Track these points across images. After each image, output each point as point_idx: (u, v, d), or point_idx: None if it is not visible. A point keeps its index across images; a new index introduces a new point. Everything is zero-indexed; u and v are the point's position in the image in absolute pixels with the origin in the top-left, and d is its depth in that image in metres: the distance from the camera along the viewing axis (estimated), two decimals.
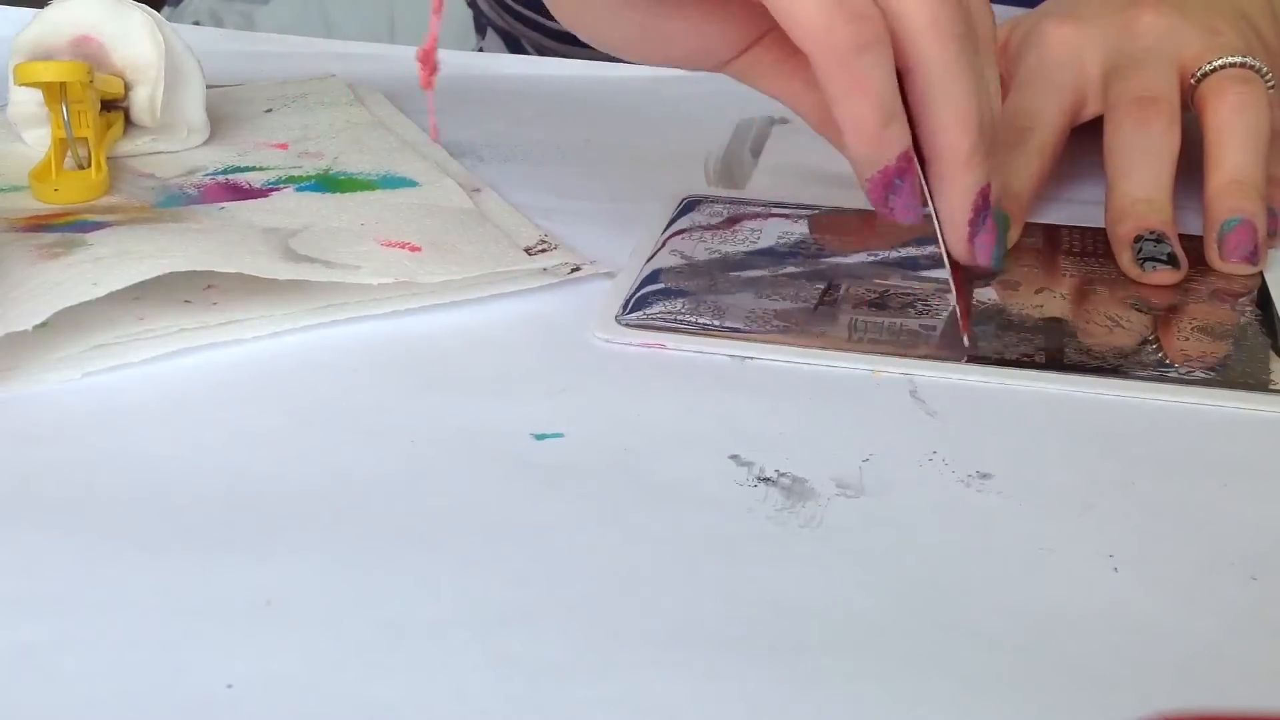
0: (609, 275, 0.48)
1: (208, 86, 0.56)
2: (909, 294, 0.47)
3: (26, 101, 0.54)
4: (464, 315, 0.46)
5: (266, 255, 0.44)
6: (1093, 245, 0.50)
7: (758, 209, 0.53)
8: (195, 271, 0.43)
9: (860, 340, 0.44)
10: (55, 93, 0.51)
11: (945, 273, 0.45)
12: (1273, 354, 0.44)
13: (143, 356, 0.42)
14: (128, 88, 0.54)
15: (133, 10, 0.54)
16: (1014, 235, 0.50)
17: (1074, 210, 0.53)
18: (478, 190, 0.54)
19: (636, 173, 0.57)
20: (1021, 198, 0.51)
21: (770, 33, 0.46)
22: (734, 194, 0.55)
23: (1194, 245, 0.49)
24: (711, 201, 0.54)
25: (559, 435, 0.39)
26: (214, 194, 0.52)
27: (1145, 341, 0.44)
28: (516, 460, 0.38)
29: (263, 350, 0.43)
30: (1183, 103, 0.51)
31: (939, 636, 0.32)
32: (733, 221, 0.52)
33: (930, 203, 0.44)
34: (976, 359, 0.43)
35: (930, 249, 0.49)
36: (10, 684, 0.30)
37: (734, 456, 0.39)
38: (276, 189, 0.52)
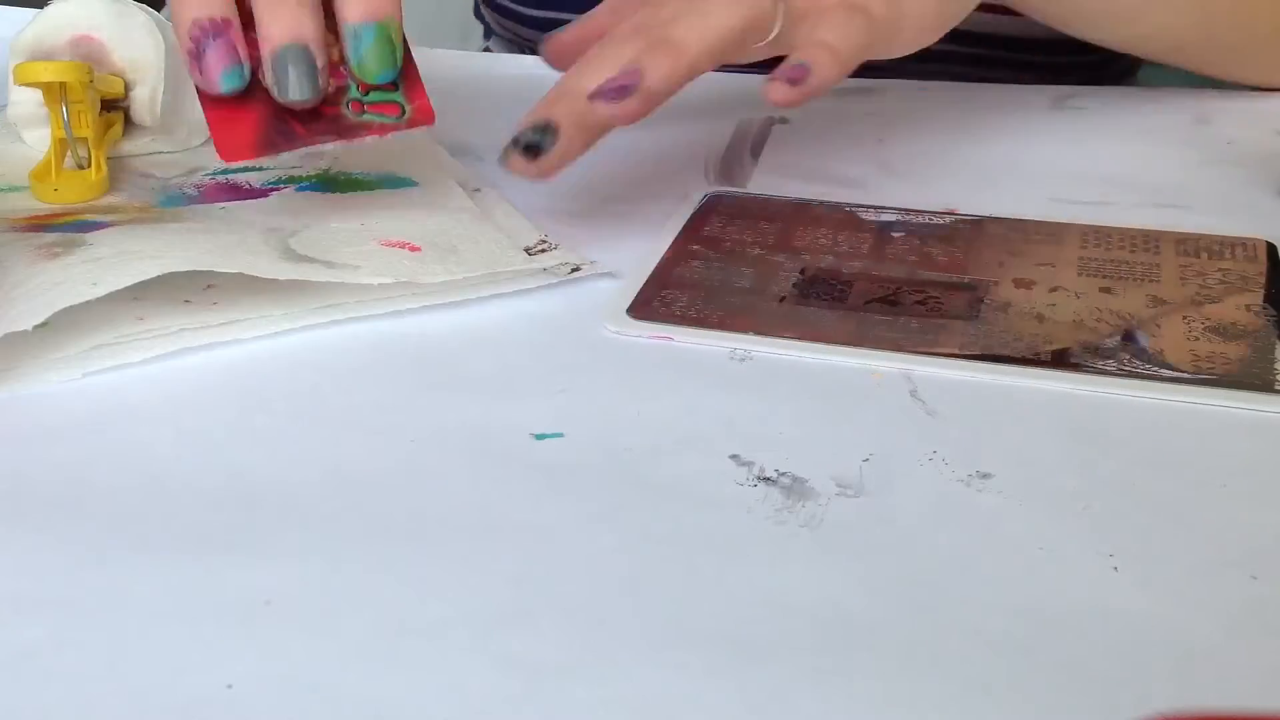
0: (609, 275, 0.48)
1: None
2: (921, 292, 0.47)
3: (26, 101, 0.54)
4: (464, 315, 0.46)
5: (266, 255, 0.44)
6: (1107, 245, 0.50)
7: (777, 206, 0.53)
8: (196, 271, 0.43)
9: (868, 337, 0.44)
10: (55, 93, 0.51)
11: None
12: (1278, 354, 0.44)
13: (142, 356, 0.42)
14: (128, 87, 0.54)
15: (133, 10, 0.54)
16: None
17: (1081, 210, 0.53)
18: (478, 190, 0.54)
19: (636, 173, 0.57)
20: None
21: None
22: (754, 191, 0.55)
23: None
24: (732, 198, 0.54)
25: (559, 435, 0.39)
26: (214, 194, 0.52)
27: (1155, 341, 0.44)
28: (516, 460, 0.38)
29: (263, 350, 0.43)
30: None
31: (939, 636, 0.32)
32: (751, 218, 0.52)
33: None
34: (982, 356, 0.43)
35: None
36: (10, 684, 0.30)
37: (734, 456, 0.39)
38: (277, 189, 0.52)
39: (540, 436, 0.39)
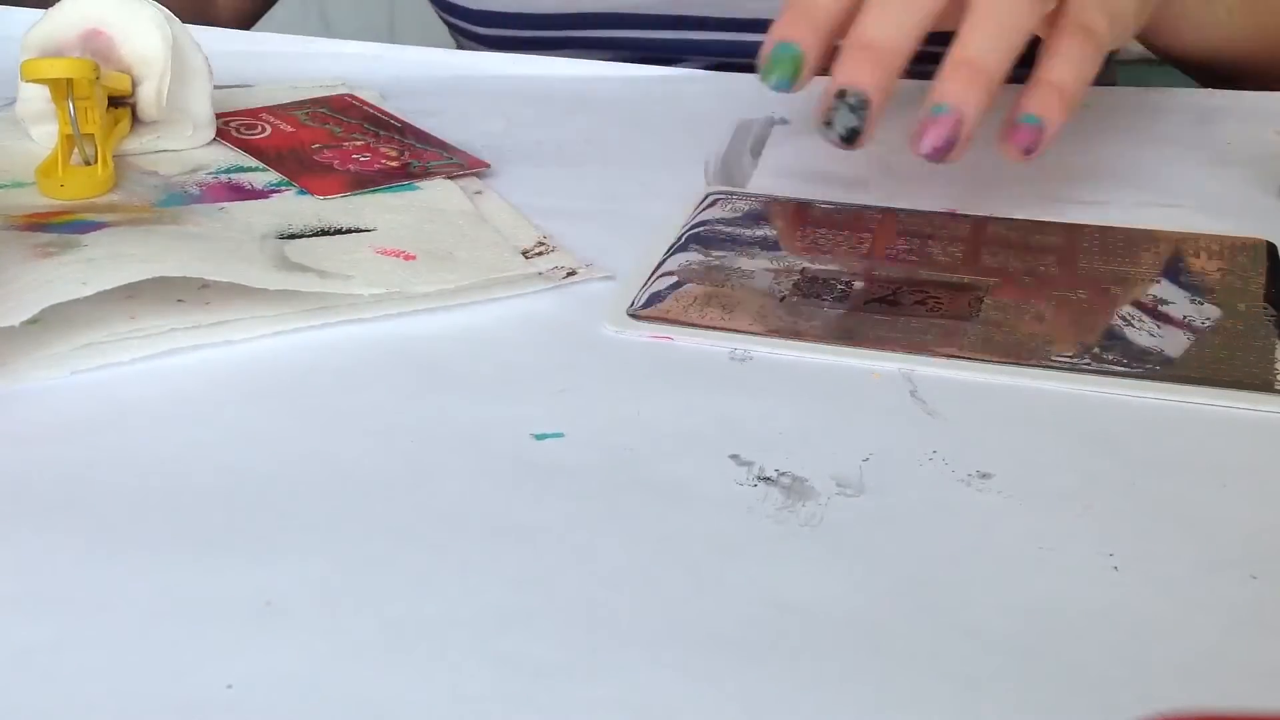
0: (607, 278, 0.48)
1: (215, 87, 0.56)
2: (921, 292, 0.47)
3: (34, 98, 0.54)
4: (464, 315, 0.46)
5: (260, 264, 0.45)
6: (1110, 245, 0.50)
7: (777, 207, 0.53)
8: None
9: (869, 337, 0.44)
10: (62, 89, 0.51)
11: None
12: (1278, 354, 0.44)
13: (132, 356, 0.42)
14: (135, 83, 0.54)
15: (142, 5, 0.54)
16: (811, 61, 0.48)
17: (1082, 210, 0.53)
18: (478, 192, 0.54)
19: (636, 173, 0.57)
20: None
21: None
22: (754, 191, 0.55)
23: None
24: (734, 198, 0.54)
25: (559, 435, 0.39)
26: (215, 193, 0.52)
27: (1155, 341, 0.44)
28: (516, 460, 0.38)
29: (261, 350, 0.43)
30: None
31: (939, 636, 0.32)
32: (754, 218, 0.52)
33: None
34: (982, 356, 0.43)
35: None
36: (10, 684, 0.30)
37: (734, 456, 0.39)
38: (278, 190, 0.52)
39: (540, 436, 0.39)
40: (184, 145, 0.56)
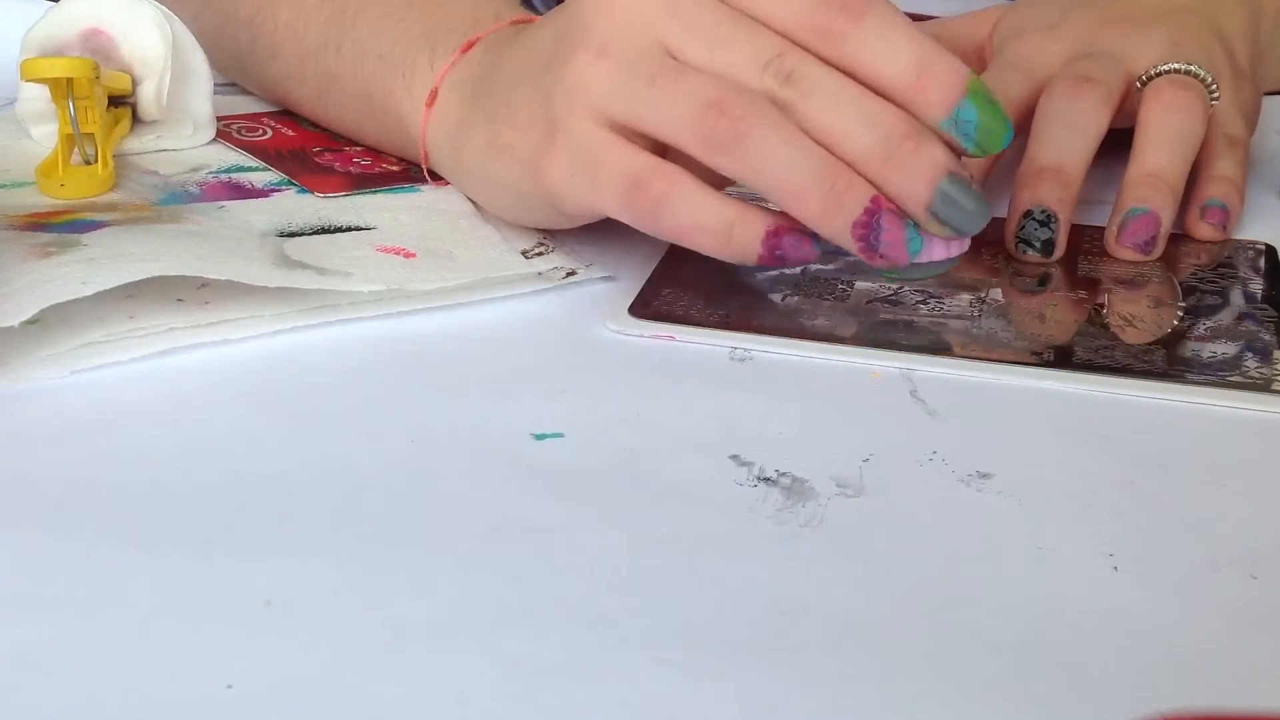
0: (607, 278, 0.48)
1: (216, 86, 0.56)
2: (921, 292, 0.47)
3: (34, 98, 0.54)
4: (463, 315, 0.46)
5: (260, 261, 0.45)
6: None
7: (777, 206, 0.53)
8: None
9: (869, 337, 0.44)
10: (62, 89, 0.51)
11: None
12: (1278, 354, 0.44)
13: (131, 355, 0.42)
14: (135, 83, 0.54)
15: (142, 4, 0.54)
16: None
17: (1082, 210, 0.53)
18: None
19: None
20: (974, 166, 0.52)
21: None
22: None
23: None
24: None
25: (559, 435, 0.39)
26: (215, 192, 0.52)
27: (1155, 341, 0.44)
28: (516, 460, 0.38)
29: (261, 349, 0.43)
30: (1129, 104, 0.53)
31: (939, 636, 0.32)
32: None
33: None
34: (982, 356, 0.43)
35: None
36: (10, 684, 0.30)
37: (734, 456, 0.39)
38: (278, 189, 0.52)
39: (540, 436, 0.39)
40: (184, 145, 0.56)
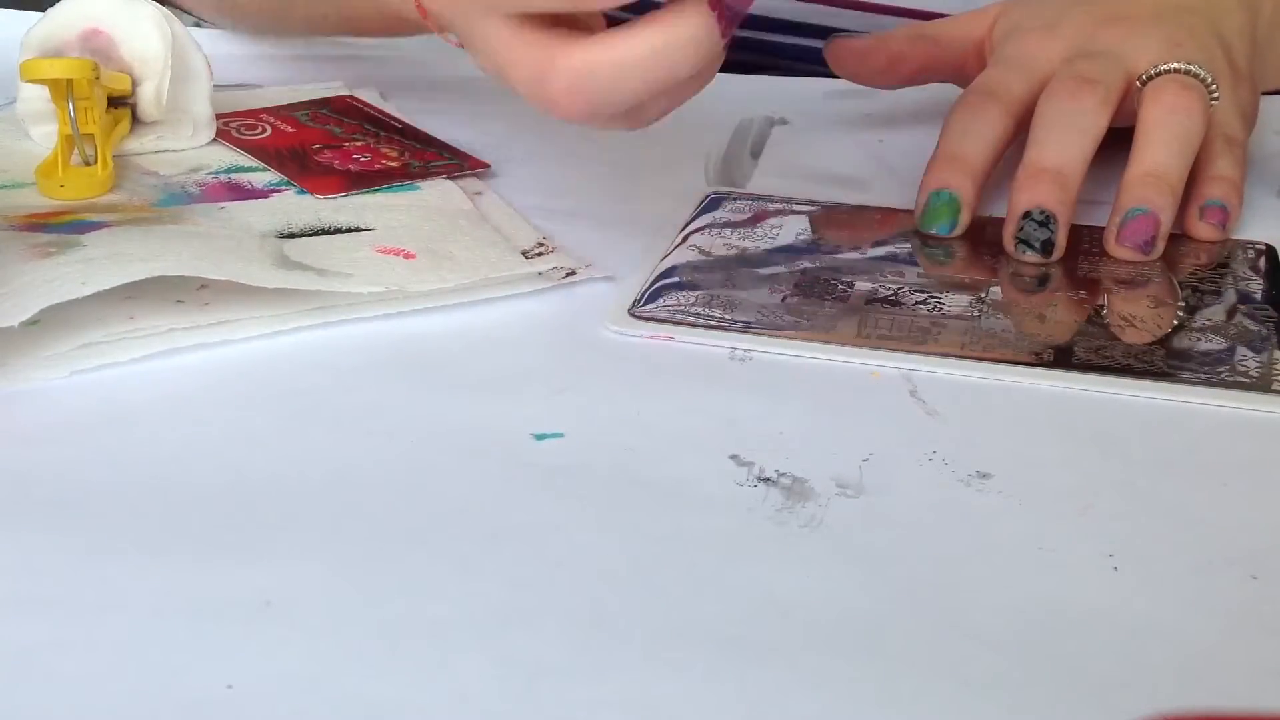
0: (607, 278, 0.48)
1: (215, 87, 0.56)
2: (921, 292, 0.47)
3: (34, 98, 0.54)
4: (464, 315, 0.46)
5: (259, 262, 0.45)
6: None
7: (780, 205, 0.53)
8: None
9: (869, 337, 0.44)
10: (61, 89, 0.51)
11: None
12: (1278, 354, 0.44)
13: (130, 356, 0.42)
14: (135, 83, 0.54)
15: (142, 4, 0.54)
16: (968, 199, 0.51)
17: (1082, 210, 0.53)
18: (479, 193, 0.54)
19: (636, 173, 0.57)
20: (975, 162, 0.52)
21: None
22: (758, 191, 0.55)
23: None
24: (735, 198, 0.54)
25: (559, 435, 0.39)
26: (215, 193, 0.52)
27: (1155, 341, 0.44)
28: (516, 460, 0.38)
29: (260, 350, 0.43)
30: (1128, 104, 0.53)
31: (939, 636, 0.32)
32: (756, 218, 0.52)
33: None
34: (982, 356, 0.43)
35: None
36: (10, 684, 0.30)
37: (734, 456, 0.39)
38: (278, 190, 0.52)
39: (540, 436, 0.39)
40: (184, 145, 0.56)
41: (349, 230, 0.49)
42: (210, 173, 0.54)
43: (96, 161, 0.51)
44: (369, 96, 0.62)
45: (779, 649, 0.32)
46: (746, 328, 0.45)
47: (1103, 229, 0.51)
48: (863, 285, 0.47)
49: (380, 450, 0.39)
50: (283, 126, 0.58)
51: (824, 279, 0.48)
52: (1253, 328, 0.45)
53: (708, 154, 0.59)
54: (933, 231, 0.51)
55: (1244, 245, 0.51)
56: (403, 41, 0.70)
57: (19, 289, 0.41)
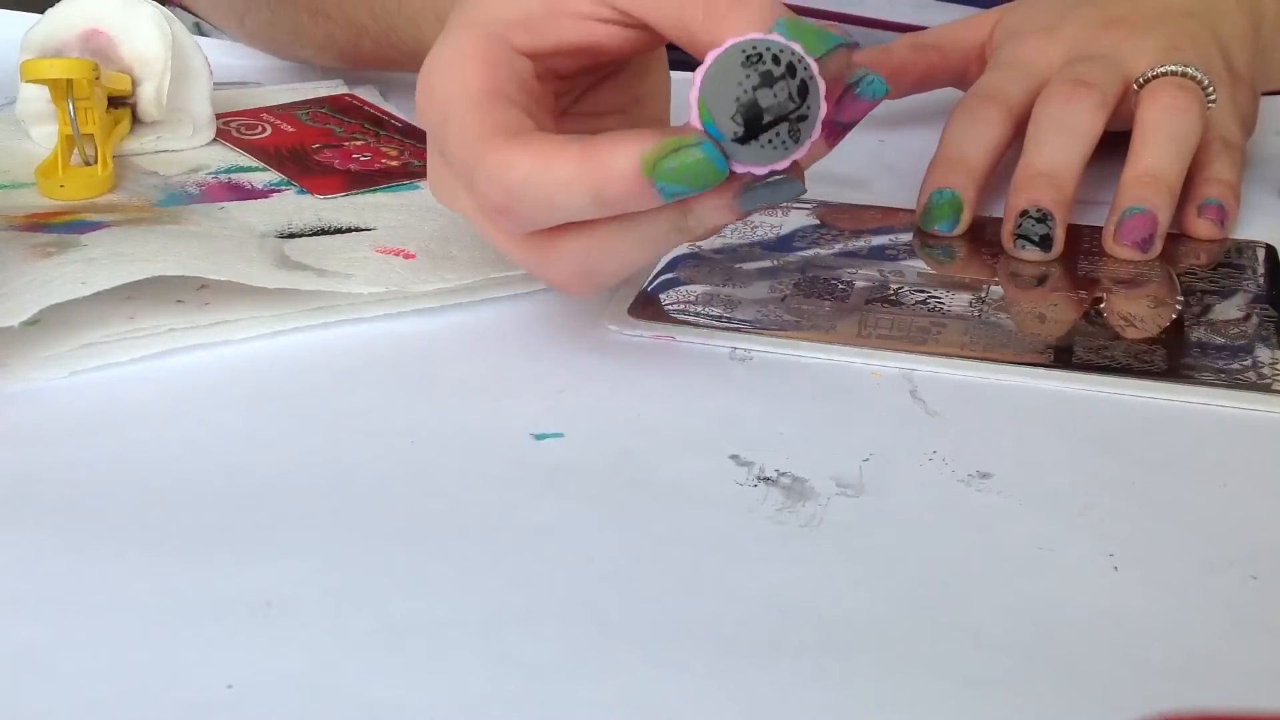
0: None
1: (216, 86, 0.56)
2: (921, 292, 0.47)
3: (34, 98, 0.54)
4: (463, 315, 0.46)
5: (259, 262, 0.45)
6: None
7: (777, 207, 0.53)
8: None
9: (870, 336, 0.44)
10: (61, 89, 0.51)
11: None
12: (1278, 354, 0.44)
13: (130, 356, 0.42)
14: (135, 84, 0.54)
15: (142, 4, 0.54)
16: (969, 199, 0.51)
17: (1082, 210, 0.53)
18: None
19: None
20: (975, 164, 0.52)
21: None
22: None
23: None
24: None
25: (559, 435, 0.39)
26: (215, 193, 0.52)
27: (1155, 341, 0.44)
28: (516, 460, 0.38)
29: (260, 350, 0.43)
30: (1126, 107, 0.53)
31: (939, 636, 0.32)
32: (751, 218, 0.52)
33: None
34: (982, 356, 0.43)
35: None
36: (10, 684, 0.30)
37: (734, 456, 0.39)
38: (278, 189, 0.52)
39: (540, 436, 0.39)
40: (184, 145, 0.56)
41: (349, 230, 0.49)
42: (210, 173, 0.54)
43: (96, 161, 0.51)
44: (369, 95, 0.62)
45: (779, 649, 0.32)
46: (747, 327, 0.45)
47: (1102, 229, 0.51)
48: (863, 285, 0.47)
49: (380, 450, 0.39)
50: (283, 126, 0.58)
51: (823, 279, 0.48)
52: (1253, 328, 0.45)
53: None
54: (934, 230, 0.51)
55: (1244, 245, 0.51)
56: None
57: (19, 289, 0.41)
